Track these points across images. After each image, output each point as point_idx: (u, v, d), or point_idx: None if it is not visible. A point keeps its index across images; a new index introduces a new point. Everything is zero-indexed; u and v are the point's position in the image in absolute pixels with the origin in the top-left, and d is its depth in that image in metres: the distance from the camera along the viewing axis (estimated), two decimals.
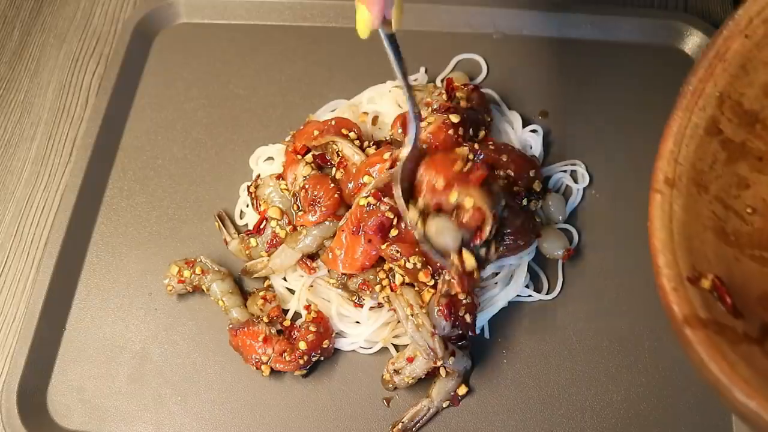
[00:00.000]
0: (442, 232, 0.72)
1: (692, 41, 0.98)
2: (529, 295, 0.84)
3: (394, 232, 0.78)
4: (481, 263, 0.76)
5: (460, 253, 0.72)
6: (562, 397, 0.79)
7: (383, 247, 0.77)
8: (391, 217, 0.77)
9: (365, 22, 0.67)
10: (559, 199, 0.88)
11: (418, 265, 0.75)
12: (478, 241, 0.73)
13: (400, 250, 0.76)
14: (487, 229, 0.74)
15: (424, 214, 0.74)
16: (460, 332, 0.77)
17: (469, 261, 0.73)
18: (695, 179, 0.60)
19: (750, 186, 0.62)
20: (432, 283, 0.75)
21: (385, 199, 0.76)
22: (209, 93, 1.03)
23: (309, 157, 0.85)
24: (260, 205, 0.87)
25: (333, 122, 0.86)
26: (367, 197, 0.77)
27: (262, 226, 0.85)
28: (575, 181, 0.91)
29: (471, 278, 0.74)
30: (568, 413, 0.79)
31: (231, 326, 0.81)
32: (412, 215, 0.73)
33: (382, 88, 0.96)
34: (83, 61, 1.10)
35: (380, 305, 0.81)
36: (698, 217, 0.59)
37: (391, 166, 0.78)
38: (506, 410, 0.79)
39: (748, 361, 0.51)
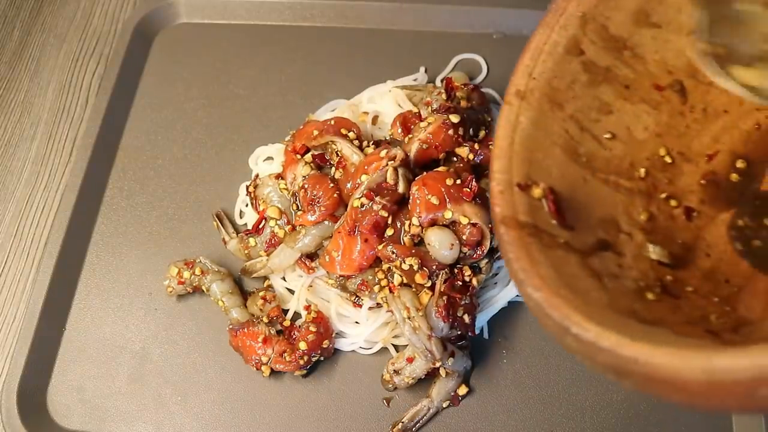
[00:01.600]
0: (444, 244, 0.73)
1: None
2: None
3: (390, 232, 0.78)
4: (479, 273, 0.78)
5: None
6: (562, 397, 0.79)
7: (380, 247, 0.77)
8: (385, 215, 0.77)
9: None
10: None
11: (415, 267, 0.75)
12: (477, 256, 0.75)
13: (396, 251, 0.76)
14: (487, 243, 0.75)
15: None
16: (459, 333, 0.77)
17: (473, 278, 0.77)
18: (549, 95, 0.61)
19: (613, 112, 0.63)
20: (429, 284, 0.76)
21: (377, 198, 0.77)
22: (209, 93, 1.03)
23: (308, 156, 0.85)
24: (259, 204, 0.87)
25: (332, 122, 0.86)
26: (359, 198, 0.77)
27: (261, 226, 0.85)
28: None
29: (472, 288, 0.77)
30: (568, 413, 0.79)
31: (231, 326, 0.81)
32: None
33: (381, 88, 0.96)
34: (83, 61, 1.10)
35: (379, 305, 0.81)
36: (547, 133, 0.61)
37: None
38: (506, 410, 0.79)
39: (556, 265, 0.54)
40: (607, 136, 0.63)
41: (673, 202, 0.63)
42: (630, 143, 0.63)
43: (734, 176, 0.64)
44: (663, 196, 0.63)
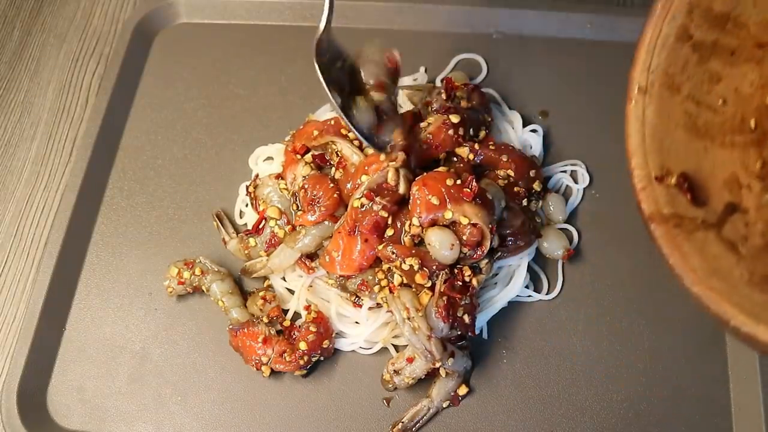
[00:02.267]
0: (444, 245, 0.73)
1: None
2: (529, 295, 0.84)
3: (390, 232, 0.78)
4: (479, 273, 0.78)
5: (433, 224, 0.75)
6: (562, 397, 0.79)
7: (380, 247, 0.77)
8: (386, 216, 0.77)
9: None
10: (559, 200, 0.88)
11: (415, 267, 0.75)
12: (477, 257, 0.75)
13: (396, 251, 0.76)
14: (487, 244, 0.75)
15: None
16: (459, 333, 0.77)
17: (473, 278, 0.77)
18: (667, 83, 0.65)
19: (722, 79, 0.67)
20: (429, 284, 0.75)
21: (377, 199, 0.77)
22: (209, 93, 1.03)
23: (308, 156, 0.85)
24: (259, 204, 0.87)
25: (332, 122, 0.86)
26: (359, 198, 0.77)
27: (261, 226, 0.85)
28: (575, 181, 0.91)
29: (472, 288, 0.77)
30: (568, 413, 0.79)
31: (231, 327, 0.81)
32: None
33: None
34: (83, 61, 1.10)
35: (379, 306, 0.81)
36: (670, 118, 0.66)
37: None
38: (506, 410, 0.79)
39: (701, 250, 0.61)
40: (720, 102, 0.67)
41: None
42: (739, 101, 0.67)
43: None
44: None
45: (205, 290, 0.85)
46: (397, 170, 0.77)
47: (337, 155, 0.83)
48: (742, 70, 0.68)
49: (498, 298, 0.83)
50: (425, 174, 0.78)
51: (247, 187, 0.89)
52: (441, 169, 0.79)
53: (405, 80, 0.97)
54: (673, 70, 0.66)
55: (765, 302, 0.58)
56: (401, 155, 0.78)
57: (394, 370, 0.78)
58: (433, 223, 0.76)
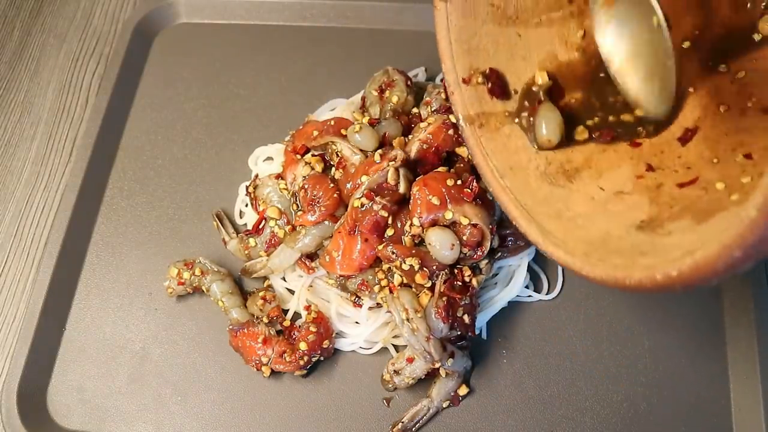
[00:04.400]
0: (444, 245, 0.73)
1: None
2: (529, 296, 0.84)
3: (390, 232, 0.78)
4: (479, 273, 0.78)
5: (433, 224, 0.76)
6: (562, 397, 0.79)
7: (380, 247, 0.77)
8: (386, 215, 0.77)
9: None
10: None
11: (415, 267, 0.75)
12: (477, 257, 0.75)
13: (396, 251, 0.76)
14: (487, 244, 0.75)
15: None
16: (459, 333, 0.77)
17: (473, 279, 0.77)
18: None
19: None
20: (429, 284, 0.75)
21: (377, 199, 0.77)
22: (209, 93, 1.03)
23: (308, 156, 0.85)
24: (259, 204, 0.87)
25: (332, 122, 0.86)
26: (359, 198, 0.77)
27: (261, 226, 0.85)
28: None
29: (472, 288, 0.77)
30: (568, 413, 0.79)
31: (231, 327, 0.81)
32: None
33: None
34: (83, 61, 1.10)
35: (379, 305, 0.81)
36: (476, 17, 0.69)
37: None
38: (506, 410, 0.79)
39: (504, 145, 0.68)
40: None
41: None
42: None
43: None
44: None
45: (205, 290, 0.85)
46: (397, 170, 0.77)
47: (337, 155, 0.83)
48: None
49: (498, 298, 0.83)
50: (426, 174, 0.78)
51: (247, 187, 0.89)
52: (441, 169, 0.79)
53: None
54: None
55: (545, 197, 0.63)
56: (401, 154, 0.78)
57: (394, 370, 0.78)
58: (434, 224, 0.76)
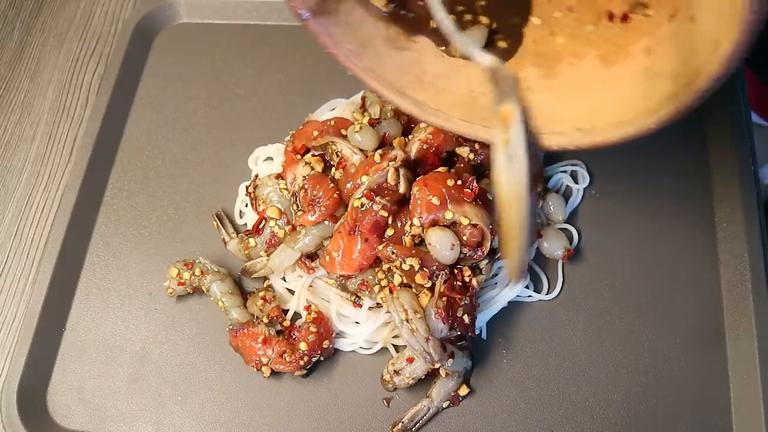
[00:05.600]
0: (444, 245, 0.73)
1: None
2: (529, 296, 0.84)
3: (390, 232, 0.78)
4: (479, 274, 0.78)
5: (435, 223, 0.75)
6: (562, 397, 0.79)
7: (380, 247, 0.77)
8: (386, 215, 0.77)
9: None
10: (559, 199, 0.88)
11: (415, 267, 0.75)
12: (477, 257, 0.75)
13: (396, 251, 0.76)
14: (487, 244, 0.75)
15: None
16: (459, 333, 0.77)
17: (473, 279, 0.77)
18: None
19: None
20: (429, 285, 0.75)
21: (377, 199, 0.77)
22: (209, 93, 1.03)
23: (308, 157, 0.85)
24: (259, 204, 0.87)
25: (332, 122, 0.86)
26: (359, 198, 0.77)
27: (261, 226, 0.85)
28: (575, 181, 0.91)
29: (472, 288, 0.77)
30: (568, 413, 0.79)
31: (231, 327, 0.81)
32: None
33: None
34: (83, 61, 1.11)
35: (379, 305, 0.81)
36: None
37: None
38: (506, 410, 0.79)
39: (347, 24, 0.69)
40: None
41: None
42: None
43: None
44: None
45: (205, 290, 0.85)
46: (397, 170, 0.77)
47: (337, 155, 0.83)
48: None
49: (498, 299, 0.83)
50: (426, 174, 0.78)
51: (247, 187, 0.89)
52: (442, 169, 0.79)
53: None
54: None
55: (399, 67, 0.66)
56: (401, 154, 0.78)
57: (394, 371, 0.78)
58: (434, 224, 0.76)
